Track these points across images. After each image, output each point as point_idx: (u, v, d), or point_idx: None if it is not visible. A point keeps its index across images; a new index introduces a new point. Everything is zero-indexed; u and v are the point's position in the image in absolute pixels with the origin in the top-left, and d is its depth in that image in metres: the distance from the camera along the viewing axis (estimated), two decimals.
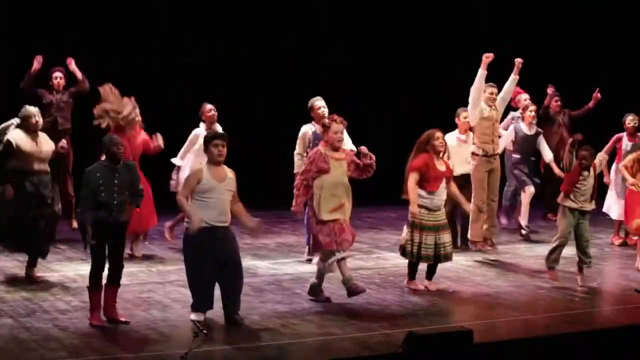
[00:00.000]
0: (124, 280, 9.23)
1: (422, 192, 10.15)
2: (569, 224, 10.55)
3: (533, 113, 13.40)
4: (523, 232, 13.52)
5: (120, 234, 8.99)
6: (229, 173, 8.99)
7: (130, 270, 10.90)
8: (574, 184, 10.47)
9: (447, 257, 10.31)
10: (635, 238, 12.16)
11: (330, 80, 15.90)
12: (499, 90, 12.29)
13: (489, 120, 12.19)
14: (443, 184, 10.24)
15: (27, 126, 10.48)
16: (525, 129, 13.39)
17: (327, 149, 9.75)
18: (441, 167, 10.24)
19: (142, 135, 11.69)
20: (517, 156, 13.51)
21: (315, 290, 9.85)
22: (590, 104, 14.90)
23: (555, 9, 18.00)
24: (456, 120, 12.52)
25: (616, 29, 18.02)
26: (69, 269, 10.99)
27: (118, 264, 8.97)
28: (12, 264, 11.26)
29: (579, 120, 14.86)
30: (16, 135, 10.45)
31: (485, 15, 18.01)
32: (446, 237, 10.25)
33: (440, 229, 10.20)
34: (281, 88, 16.01)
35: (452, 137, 12.17)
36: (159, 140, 11.68)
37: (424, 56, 17.22)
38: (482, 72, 11.92)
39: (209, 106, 12.50)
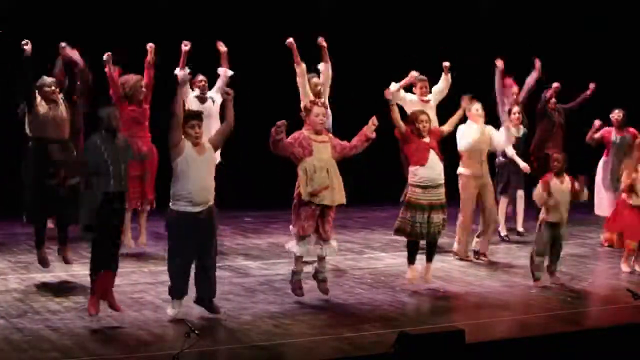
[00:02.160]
0: (115, 281, 9.22)
1: (412, 169, 10.20)
2: (548, 238, 10.52)
3: (517, 115, 13.26)
4: (505, 238, 13.49)
5: (119, 214, 9.05)
6: (206, 142, 9.04)
7: (121, 271, 10.88)
8: (546, 194, 10.42)
9: (435, 234, 10.27)
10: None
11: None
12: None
13: (476, 143, 11.77)
14: (433, 156, 10.20)
15: (42, 95, 10.56)
16: (514, 131, 13.32)
17: (309, 132, 9.73)
18: (426, 139, 10.23)
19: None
20: (502, 159, 13.37)
21: (295, 279, 9.81)
22: (588, 93, 14.58)
23: (550, 8, 18.03)
24: (414, 89, 12.49)
25: (612, 27, 18.03)
26: (61, 269, 10.93)
27: (116, 249, 9.02)
28: (4, 264, 11.25)
29: (575, 113, 14.66)
30: (35, 100, 10.56)
31: (485, 11, 18.04)
32: (436, 218, 10.19)
33: (433, 208, 10.16)
34: (276, 89, 15.96)
35: (414, 99, 12.30)
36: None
37: (417, 58, 17.17)
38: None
39: (200, 77, 12.50)
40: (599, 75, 16.08)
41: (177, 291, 9.02)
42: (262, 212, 14.67)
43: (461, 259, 11.91)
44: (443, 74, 12.58)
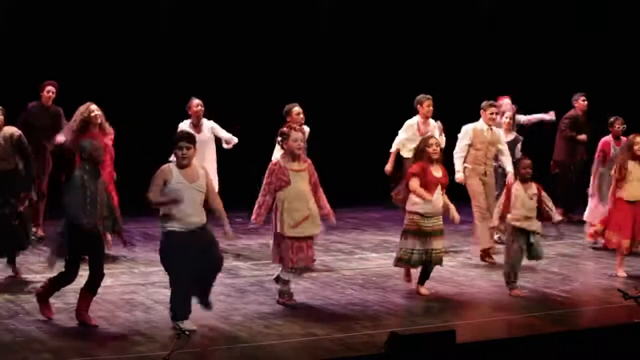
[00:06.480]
0: (106, 282, 9.23)
1: (417, 199, 10.08)
2: (518, 247, 10.24)
3: (508, 119, 13.32)
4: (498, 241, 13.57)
5: (101, 240, 8.97)
6: (200, 171, 8.79)
7: (112, 272, 10.90)
8: (508, 201, 10.25)
9: (437, 262, 10.21)
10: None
11: (313, 83, 15.95)
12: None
13: (482, 143, 12.05)
14: (439, 190, 10.14)
15: None
16: (502, 135, 13.39)
17: (285, 160, 9.62)
18: (437, 173, 10.12)
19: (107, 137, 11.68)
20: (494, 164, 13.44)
21: (283, 293, 9.79)
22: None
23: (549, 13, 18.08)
24: (418, 107, 12.75)
25: (609, 34, 18.06)
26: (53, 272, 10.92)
27: (100, 273, 8.92)
28: None
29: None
30: None
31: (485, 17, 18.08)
32: (437, 244, 10.11)
33: (432, 234, 10.08)
34: (272, 91, 15.97)
35: (413, 124, 12.47)
36: None
37: (409, 60, 17.22)
38: None
39: (196, 101, 12.34)
40: (598, 75, 16.16)
41: (180, 313, 8.62)
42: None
43: (485, 251, 11.84)
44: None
